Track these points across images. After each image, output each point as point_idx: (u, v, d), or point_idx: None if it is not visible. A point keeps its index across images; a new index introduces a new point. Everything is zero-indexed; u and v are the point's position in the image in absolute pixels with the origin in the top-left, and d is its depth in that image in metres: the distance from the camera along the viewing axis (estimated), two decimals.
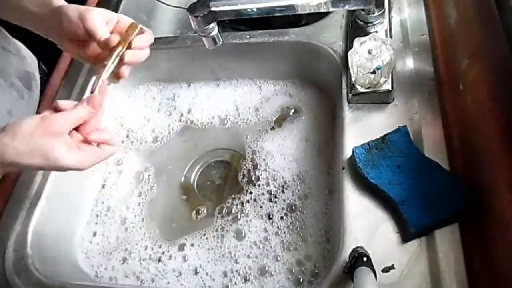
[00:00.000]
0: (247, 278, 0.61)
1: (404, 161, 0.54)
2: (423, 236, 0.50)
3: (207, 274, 0.63)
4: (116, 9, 0.84)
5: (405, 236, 0.50)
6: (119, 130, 0.80)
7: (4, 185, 0.67)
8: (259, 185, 0.69)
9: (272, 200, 0.67)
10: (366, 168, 0.54)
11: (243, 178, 0.71)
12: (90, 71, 0.77)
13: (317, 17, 0.72)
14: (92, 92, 0.51)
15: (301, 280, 0.59)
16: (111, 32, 0.55)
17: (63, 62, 0.79)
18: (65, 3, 0.57)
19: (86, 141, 0.50)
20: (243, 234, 0.65)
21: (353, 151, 0.56)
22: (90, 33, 0.54)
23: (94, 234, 0.70)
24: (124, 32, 0.55)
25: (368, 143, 0.56)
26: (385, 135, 0.56)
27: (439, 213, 0.49)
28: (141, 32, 0.56)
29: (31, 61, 0.75)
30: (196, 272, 0.64)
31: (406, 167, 0.53)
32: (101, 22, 0.54)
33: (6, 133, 0.46)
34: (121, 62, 0.54)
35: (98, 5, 0.85)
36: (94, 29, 0.53)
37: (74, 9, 0.55)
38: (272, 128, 0.75)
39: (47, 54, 0.76)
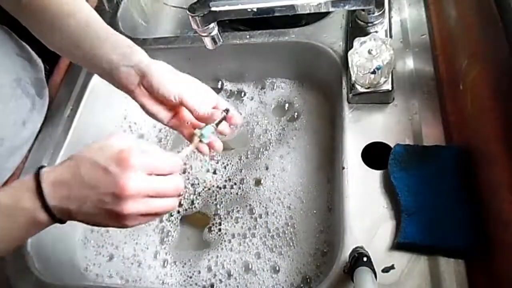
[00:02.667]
0: (248, 276, 0.61)
1: (437, 179, 0.50)
2: (410, 251, 0.49)
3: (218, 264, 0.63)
4: (116, 9, 0.84)
5: (393, 244, 0.50)
6: (122, 122, 0.80)
7: (5, 185, 0.67)
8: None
9: (272, 199, 0.67)
10: (395, 166, 0.53)
11: (241, 176, 0.71)
12: (89, 72, 0.77)
13: (317, 17, 0.72)
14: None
15: (301, 280, 0.59)
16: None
17: (63, 62, 0.79)
18: (144, 59, 0.55)
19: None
20: (243, 234, 0.65)
21: (394, 147, 0.55)
22: (189, 109, 0.54)
23: (94, 233, 0.70)
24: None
25: (414, 145, 0.55)
26: (438, 146, 0.54)
27: (437, 240, 0.48)
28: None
29: (40, 67, 0.73)
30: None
31: (434, 185, 0.50)
32: (197, 98, 0.54)
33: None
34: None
35: (98, 5, 0.85)
36: (193, 105, 0.53)
37: (170, 78, 0.54)
38: (272, 128, 0.75)
39: (47, 54, 0.76)
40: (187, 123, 0.57)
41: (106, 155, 0.42)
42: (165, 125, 0.58)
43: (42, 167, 0.43)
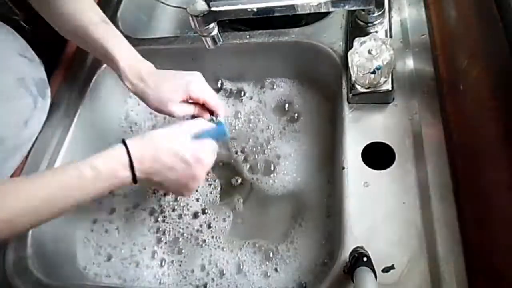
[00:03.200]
0: (247, 276, 0.61)
1: None
2: None
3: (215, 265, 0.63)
4: (116, 9, 0.84)
5: None
6: (122, 122, 0.80)
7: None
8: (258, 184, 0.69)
9: (272, 199, 0.67)
10: None
11: (242, 177, 0.71)
12: (89, 72, 0.77)
13: (317, 17, 0.72)
14: None
15: (301, 280, 0.59)
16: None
17: (63, 62, 0.79)
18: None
19: None
20: (242, 234, 0.65)
21: None
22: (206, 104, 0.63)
23: (94, 233, 0.70)
24: None
25: None
26: None
27: None
28: None
29: (43, 67, 0.73)
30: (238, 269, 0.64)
31: None
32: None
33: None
34: None
35: (98, 5, 0.85)
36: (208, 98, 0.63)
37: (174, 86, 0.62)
38: (272, 128, 0.74)
39: (47, 54, 0.76)
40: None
41: (188, 151, 0.55)
42: (195, 116, 0.65)
43: (125, 141, 0.53)
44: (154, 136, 0.55)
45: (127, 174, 0.52)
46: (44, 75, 0.71)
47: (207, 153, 0.57)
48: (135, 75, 0.62)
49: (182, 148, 0.55)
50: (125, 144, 0.53)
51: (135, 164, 0.52)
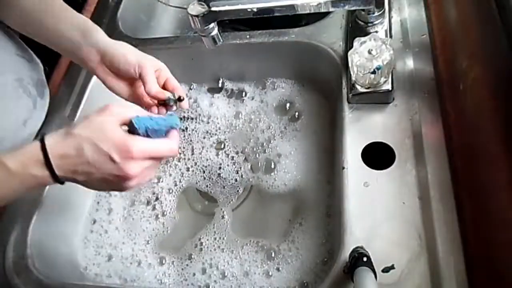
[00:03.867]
0: (250, 276, 0.61)
1: None
2: None
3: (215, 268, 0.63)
4: (116, 9, 0.84)
5: None
6: None
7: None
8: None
9: (272, 198, 0.67)
10: None
11: (242, 176, 0.71)
12: (89, 72, 0.76)
13: (317, 17, 0.72)
14: None
15: (301, 280, 0.59)
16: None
17: (63, 62, 0.79)
18: (103, 39, 0.59)
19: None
20: (244, 233, 0.65)
21: None
22: (144, 82, 0.57)
23: (94, 233, 0.70)
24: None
25: None
26: None
27: None
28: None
29: (41, 68, 0.73)
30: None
31: None
32: (153, 73, 0.58)
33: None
34: None
35: (98, 5, 0.85)
36: (149, 81, 0.57)
37: (130, 52, 0.58)
38: (272, 128, 0.75)
39: (47, 54, 0.76)
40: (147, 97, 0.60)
41: (108, 142, 0.46)
42: (126, 99, 0.62)
43: (43, 137, 0.47)
44: (78, 128, 0.47)
45: (44, 172, 0.46)
46: (42, 75, 0.71)
47: (140, 147, 0.47)
48: (95, 45, 0.59)
49: (108, 142, 0.46)
50: (42, 139, 0.47)
51: (53, 161, 0.46)
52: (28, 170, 0.46)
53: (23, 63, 0.67)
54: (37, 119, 0.69)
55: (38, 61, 0.73)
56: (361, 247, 0.49)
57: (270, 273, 0.61)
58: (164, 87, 0.60)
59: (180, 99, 0.58)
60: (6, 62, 0.63)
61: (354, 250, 0.48)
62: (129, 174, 0.47)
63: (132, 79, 0.60)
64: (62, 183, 0.48)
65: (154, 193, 0.72)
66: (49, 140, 0.46)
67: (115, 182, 0.48)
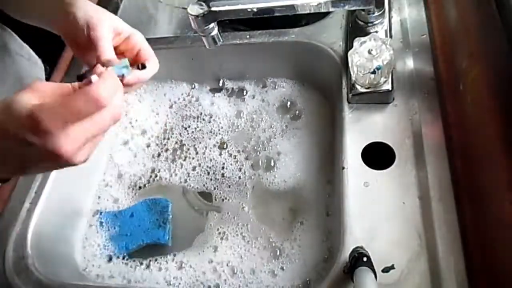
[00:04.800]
0: (247, 277, 0.61)
1: None
2: None
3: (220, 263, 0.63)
4: (116, 9, 0.84)
5: None
6: (123, 118, 0.80)
7: (4, 186, 0.67)
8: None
9: (272, 198, 0.67)
10: None
11: (245, 174, 0.71)
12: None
13: (317, 17, 0.72)
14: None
15: (301, 280, 0.59)
16: (117, 47, 0.50)
17: (63, 62, 0.79)
18: None
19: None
20: (243, 234, 0.65)
21: None
22: (93, 45, 0.48)
23: (94, 234, 0.70)
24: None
25: None
26: None
27: None
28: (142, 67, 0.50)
29: (40, 66, 0.73)
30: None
31: None
32: (108, 36, 0.49)
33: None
34: None
35: (98, 5, 0.85)
36: (98, 44, 0.48)
37: (83, 10, 0.49)
38: (272, 127, 0.75)
39: (47, 54, 0.76)
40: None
41: (14, 123, 0.35)
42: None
43: None
44: None
45: None
46: (42, 74, 0.71)
47: (40, 110, 0.34)
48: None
49: (13, 122, 0.35)
50: None
51: None
52: None
53: (22, 62, 0.67)
54: None
55: (38, 59, 0.73)
56: (361, 247, 0.49)
57: (276, 272, 0.61)
58: (136, 58, 0.51)
59: (143, 66, 0.48)
60: (6, 61, 0.63)
61: (354, 250, 0.48)
62: (59, 151, 0.35)
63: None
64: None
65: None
66: None
67: (55, 162, 0.37)
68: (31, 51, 0.72)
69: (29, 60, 0.68)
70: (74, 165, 0.38)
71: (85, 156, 0.39)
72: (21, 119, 0.34)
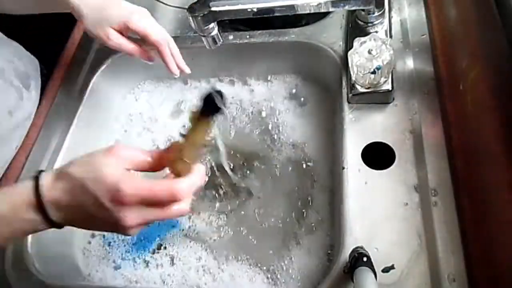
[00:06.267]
0: (251, 276, 0.61)
1: None
2: None
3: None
4: None
5: None
6: (125, 119, 0.81)
7: (5, 185, 0.67)
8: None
9: (272, 198, 0.67)
10: None
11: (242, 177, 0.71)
12: (89, 72, 0.77)
13: (317, 17, 0.72)
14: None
15: (301, 280, 0.59)
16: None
17: (63, 62, 0.79)
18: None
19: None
20: (244, 234, 0.65)
21: None
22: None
23: (93, 234, 0.70)
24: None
25: None
26: None
27: None
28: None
29: (29, 61, 0.74)
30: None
31: None
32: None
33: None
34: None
35: None
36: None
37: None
38: (272, 127, 0.74)
39: (47, 54, 0.76)
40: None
41: (100, 189, 0.39)
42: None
43: (37, 178, 0.41)
44: (73, 166, 0.41)
45: (36, 217, 0.40)
46: (30, 68, 0.72)
47: (125, 185, 0.38)
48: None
49: (97, 184, 0.39)
50: (36, 177, 0.41)
51: (46, 206, 0.40)
52: (19, 215, 0.40)
53: (5, 55, 0.67)
54: (26, 109, 0.69)
55: (27, 54, 0.73)
56: (361, 247, 0.49)
57: (276, 272, 0.61)
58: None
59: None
60: None
61: (354, 250, 0.48)
62: (126, 223, 0.39)
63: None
64: (60, 227, 0.42)
65: None
66: (43, 180, 0.40)
67: (115, 229, 0.41)
68: (15, 45, 0.72)
69: (14, 55, 0.69)
70: (124, 235, 0.43)
71: (137, 232, 0.42)
72: (107, 185, 0.38)
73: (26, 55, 0.74)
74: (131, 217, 0.39)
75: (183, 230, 0.67)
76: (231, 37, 0.74)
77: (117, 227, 0.40)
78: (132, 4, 0.61)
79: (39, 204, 0.40)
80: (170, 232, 0.68)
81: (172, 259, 0.65)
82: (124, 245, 0.68)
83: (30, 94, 0.71)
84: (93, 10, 0.58)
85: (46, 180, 0.41)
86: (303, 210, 0.65)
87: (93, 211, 0.39)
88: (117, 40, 0.60)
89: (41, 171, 0.42)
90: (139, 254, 0.67)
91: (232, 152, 0.73)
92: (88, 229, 0.44)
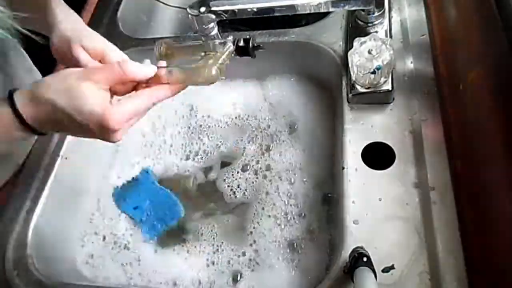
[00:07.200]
0: (249, 277, 0.62)
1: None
2: None
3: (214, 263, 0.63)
4: (116, 9, 0.84)
5: None
6: None
7: (4, 185, 0.67)
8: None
9: (271, 198, 0.67)
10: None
11: (243, 180, 0.71)
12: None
13: (317, 17, 0.72)
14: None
15: (301, 280, 0.59)
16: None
17: (62, 65, 0.79)
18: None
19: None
20: (245, 234, 0.65)
21: None
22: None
23: (94, 234, 0.70)
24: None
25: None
26: None
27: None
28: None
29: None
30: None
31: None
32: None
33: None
34: None
35: (98, 5, 0.85)
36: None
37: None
38: (272, 127, 0.74)
39: (46, 54, 0.75)
40: None
41: (88, 119, 0.43)
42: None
43: (12, 99, 0.44)
44: (52, 92, 0.43)
45: (20, 134, 0.45)
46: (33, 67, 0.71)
47: (118, 119, 0.44)
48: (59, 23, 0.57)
49: (85, 116, 0.43)
50: (12, 102, 0.44)
51: (29, 122, 0.44)
52: (9, 134, 0.45)
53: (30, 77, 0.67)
54: None
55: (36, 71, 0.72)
56: (361, 247, 0.49)
57: (267, 275, 0.61)
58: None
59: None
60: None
61: (354, 250, 0.48)
62: (112, 139, 0.46)
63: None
64: (41, 133, 0.47)
65: None
66: (21, 106, 0.44)
67: (101, 139, 0.46)
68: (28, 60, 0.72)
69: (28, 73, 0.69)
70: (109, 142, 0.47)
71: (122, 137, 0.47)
72: (95, 118, 0.43)
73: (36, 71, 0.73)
74: (119, 133, 0.45)
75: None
76: (231, 37, 0.74)
77: (104, 140, 0.46)
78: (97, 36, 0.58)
79: (20, 120, 0.44)
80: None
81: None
82: (125, 244, 0.68)
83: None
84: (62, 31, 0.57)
85: (26, 109, 0.44)
86: (303, 210, 0.65)
87: (80, 131, 0.45)
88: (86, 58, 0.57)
89: (15, 89, 0.45)
90: (139, 254, 0.67)
91: (232, 151, 0.74)
92: (71, 134, 0.49)
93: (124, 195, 0.73)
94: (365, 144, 0.58)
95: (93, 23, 0.82)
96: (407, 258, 0.49)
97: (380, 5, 0.62)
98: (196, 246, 0.66)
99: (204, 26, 0.59)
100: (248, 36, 0.54)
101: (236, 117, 0.78)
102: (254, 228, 0.66)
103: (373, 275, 0.44)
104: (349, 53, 0.58)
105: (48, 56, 0.61)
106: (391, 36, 0.65)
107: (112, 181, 0.75)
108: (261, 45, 0.55)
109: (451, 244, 0.49)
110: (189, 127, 0.78)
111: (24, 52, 0.70)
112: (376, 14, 0.63)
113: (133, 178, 0.74)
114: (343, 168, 0.57)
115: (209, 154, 0.75)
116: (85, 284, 0.62)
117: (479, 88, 0.50)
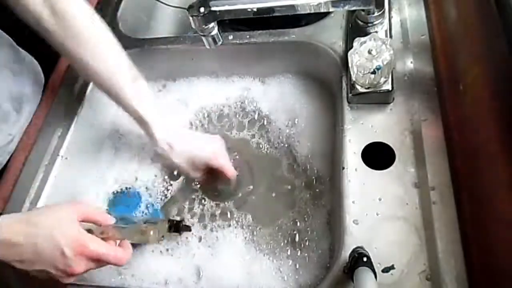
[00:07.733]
0: (250, 277, 0.62)
1: None
2: None
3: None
4: (116, 9, 0.84)
5: None
6: (122, 122, 0.80)
7: (4, 185, 0.67)
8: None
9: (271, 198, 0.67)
10: None
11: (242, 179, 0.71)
12: None
13: (317, 17, 0.72)
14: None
15: (301, 280, 0.59)
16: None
17: (62, 64, 0.79)
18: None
19: None
20: (245, 233, 0.65)
21: None
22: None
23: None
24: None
25: None
26: None
27: None
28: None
29: (30, 81, 0.73)
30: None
31: None
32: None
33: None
34: None
35: (98, 5, 0.85)
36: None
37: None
38: (272, 127, 0.74)
39: (46, 54, 0.76)
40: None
41: (66, 237, 0.48)
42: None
43: None
44: (38, 215, 0.50)
45: None
46: (27, 88, 0.71)
47: (95, 248, 0.50)
48: (164, 141, 0.65)
49: (64, 236, 0.48)
50: None
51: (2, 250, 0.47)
52: None
53: (9, 76, 0.67)
54: (5, 133, 0.68)
55: (31, 74, 0.72)
56: (361, 247, 0.49)
57: (275, 273, 0.61)
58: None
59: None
60: None
61: (354, 250, 0.48)
62: (74, 271, 0.49)
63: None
64: None
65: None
66: (3, 221, 0.48)
67: (55, 275, 0.49)
68: (27, 55, 0.71)
69: (16, 75, 0.68)
70: (61, 280, 0.51)
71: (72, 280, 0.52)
72: (72, 236, 0.48)
73: (27, 75, 0.73)
74: (81, 268, 0.49)
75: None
76: (231, 37, 0.74)
77: (64, 273, 0.49)
78: (207, 137, 0.69)
79: None
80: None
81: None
82: None
83: (19, 117, 0.70)
84: (180, 159, 0.65)
85: (6, 223, 0.48)
86: (303, 210, 0.65)
87: (49, 257, 0.47)
88: (200, 176, 0.69)
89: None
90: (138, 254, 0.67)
91: (231, 152, 0.74)
92: (26, 269, 0.49)
93: (115, 203, 0.72)
94: (365, 144, 0.58)
95: None
96: (407, 258, 0.49)
97: (380, 5, 0.62)
98: (189, 247, 0.66)
99: (204, 26, 0.59)
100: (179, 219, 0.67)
101: (236, 117, 0.77)
102: (251, 227, 0.66)
103: (373, 275, 0.44)
104: (349, 53, 0.58)
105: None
106: (391, 36, 0.65)
107: (110, 183, 0.74)
108: (190, 227, 0.65)
109: (451, 244, 0.49)
110: (191, 124, 0.79)
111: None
112: (376, 14, 0.63)
113: (126, 188, 0.74)
114: (343, 168, 0.57)
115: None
116: (85, 284, 0.62)
117: (479, 88, 0.50)
